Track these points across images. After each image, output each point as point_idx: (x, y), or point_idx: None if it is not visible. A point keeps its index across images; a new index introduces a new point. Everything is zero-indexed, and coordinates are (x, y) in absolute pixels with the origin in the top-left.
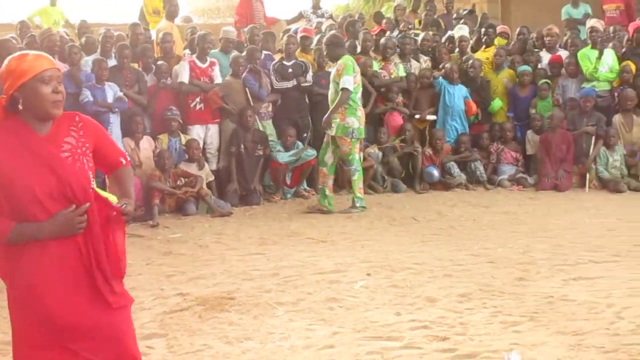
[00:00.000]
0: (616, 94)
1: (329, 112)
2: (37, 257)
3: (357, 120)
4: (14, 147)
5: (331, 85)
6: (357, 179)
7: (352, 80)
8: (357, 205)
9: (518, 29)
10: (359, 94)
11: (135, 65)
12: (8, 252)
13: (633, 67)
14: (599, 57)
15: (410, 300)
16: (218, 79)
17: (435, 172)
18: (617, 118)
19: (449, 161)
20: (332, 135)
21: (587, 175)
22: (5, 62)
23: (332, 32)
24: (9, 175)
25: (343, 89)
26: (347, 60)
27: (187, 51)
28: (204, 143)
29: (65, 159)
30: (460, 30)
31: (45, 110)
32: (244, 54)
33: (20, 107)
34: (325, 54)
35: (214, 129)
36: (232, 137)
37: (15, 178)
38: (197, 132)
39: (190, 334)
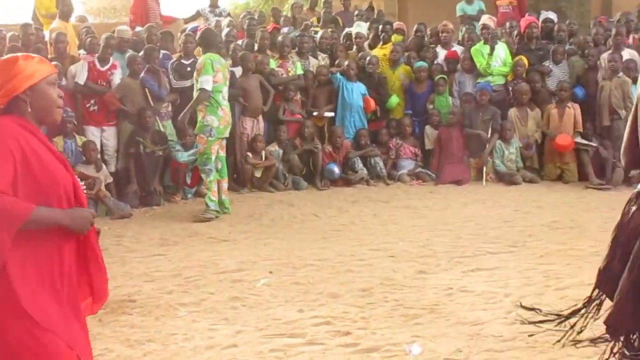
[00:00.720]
0: (510, 88)
1: (183, 112)
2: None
3: (217, 119)
4: (35, 142)
5: (195, 85)
6: (212, 181)
7: (210, 80)
8: (212, 208)
9: (415, 26)
10: (224, 93)
11: None
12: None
13: (526, 61)
14: (491, 53)
15: (312, 297)
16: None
17: (336, 169)
18: (512, 112)
19: (354, 157)
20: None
21: (484, 169)
22: (4, 63)
23: (206, 27)
24: (39, 167)
25: (200, 89)
26: (206, 58)
27: (82, 51)
28: (101, 145)
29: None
30: (357, 27)
31: (51, 113)
32: (141, 53)
33: (29, 109)
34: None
35: (110, 130)
36: (130, 138)
37: (45, 172)
38: (92, 133)
39: (91, 338)
